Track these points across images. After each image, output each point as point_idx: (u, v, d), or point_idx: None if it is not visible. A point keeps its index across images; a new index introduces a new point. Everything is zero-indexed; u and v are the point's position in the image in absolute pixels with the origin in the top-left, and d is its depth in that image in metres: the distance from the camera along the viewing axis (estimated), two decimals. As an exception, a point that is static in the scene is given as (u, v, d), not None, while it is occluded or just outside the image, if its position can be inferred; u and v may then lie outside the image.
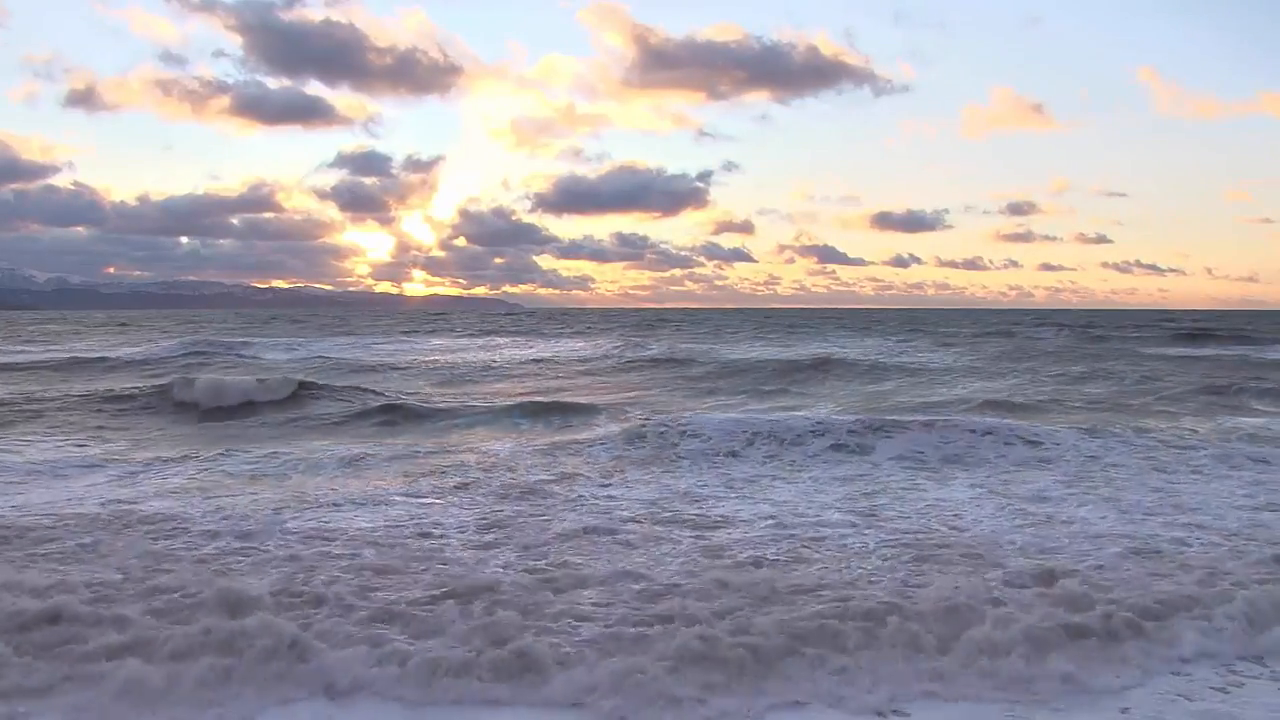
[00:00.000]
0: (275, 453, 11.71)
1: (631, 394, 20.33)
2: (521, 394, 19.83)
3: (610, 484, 9.98)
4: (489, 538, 7.55)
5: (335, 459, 11.27)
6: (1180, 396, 18.61)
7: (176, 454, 11.61)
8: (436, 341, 46.33)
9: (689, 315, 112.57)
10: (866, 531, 7.86)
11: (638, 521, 8.15)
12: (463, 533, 7.71)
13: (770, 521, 8.24)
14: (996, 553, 7.18)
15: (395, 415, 15.71)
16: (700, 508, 8.85)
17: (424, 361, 29.67)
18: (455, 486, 9.58)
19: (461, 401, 17.61)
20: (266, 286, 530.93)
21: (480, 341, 46.07)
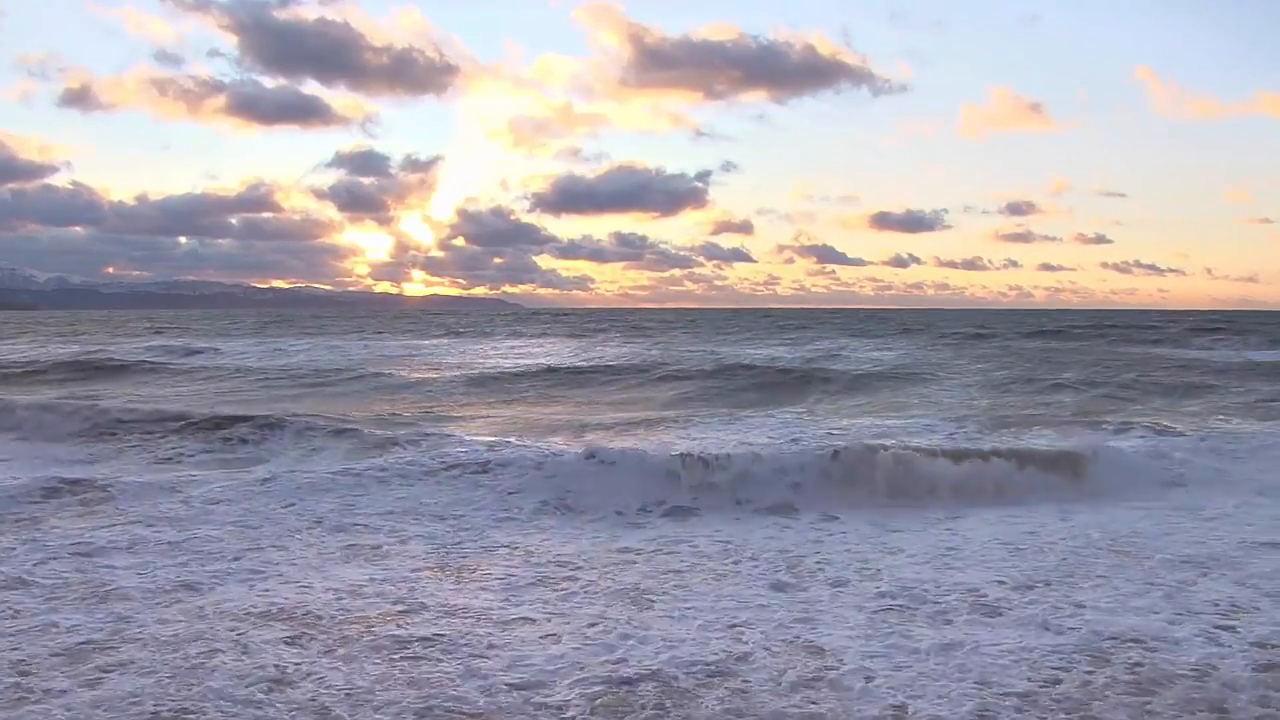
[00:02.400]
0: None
1: (545, 409, 16.97)
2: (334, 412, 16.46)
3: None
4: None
5: None
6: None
7: None
8: (398, 342, 43.06)
9: (683, 315, 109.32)
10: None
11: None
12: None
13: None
14: None
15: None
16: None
17: (351, 366, 26.09)
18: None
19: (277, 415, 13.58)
20: (266, 286, 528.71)
21: (436, 343, 42.77)
